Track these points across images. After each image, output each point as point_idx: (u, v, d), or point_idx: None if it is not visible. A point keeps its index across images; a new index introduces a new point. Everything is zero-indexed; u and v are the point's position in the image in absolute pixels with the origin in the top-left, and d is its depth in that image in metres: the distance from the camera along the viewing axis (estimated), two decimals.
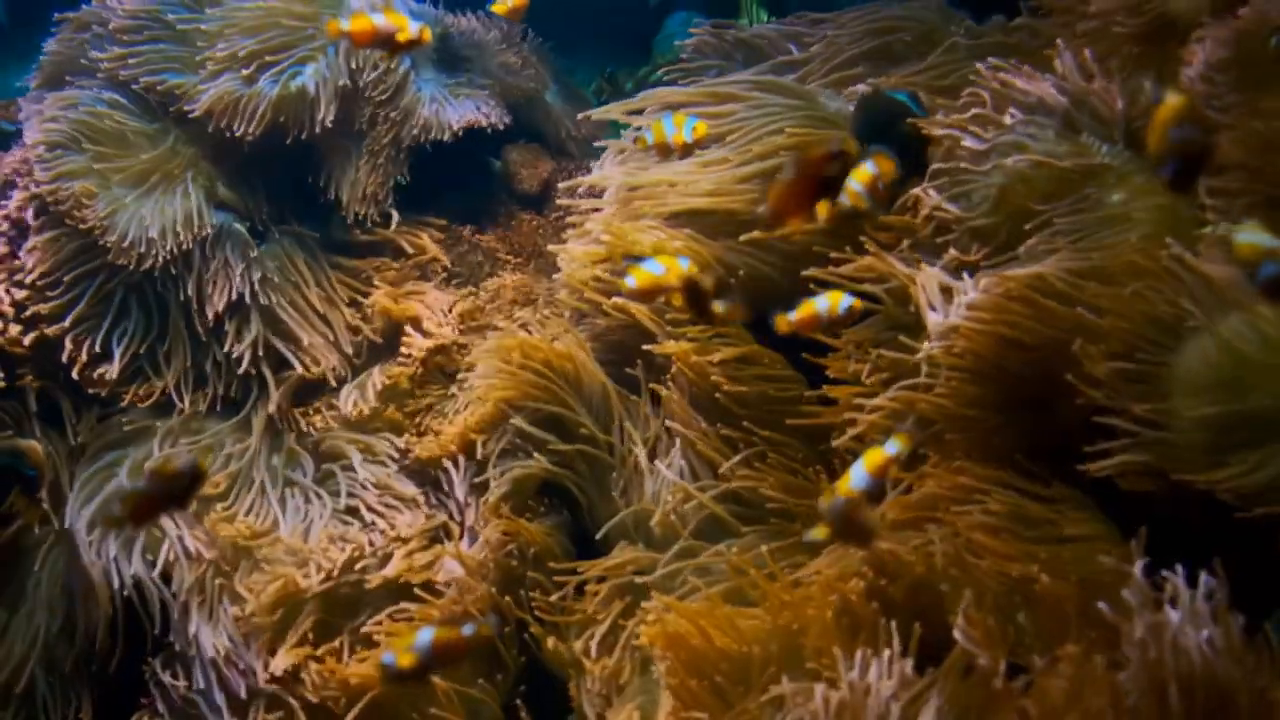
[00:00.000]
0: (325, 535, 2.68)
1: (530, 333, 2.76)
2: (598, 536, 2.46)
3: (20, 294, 2.83)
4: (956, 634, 1.68)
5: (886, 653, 1.71)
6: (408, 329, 2.98)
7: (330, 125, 2.98)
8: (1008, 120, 2.13)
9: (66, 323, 2.85)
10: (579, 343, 2.60)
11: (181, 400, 2.93)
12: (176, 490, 1.90)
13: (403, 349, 2.95)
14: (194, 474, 1.90)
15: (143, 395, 2.92)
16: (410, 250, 3.17)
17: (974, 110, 2.17)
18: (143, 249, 2.82)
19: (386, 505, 2.78)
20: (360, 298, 3.13)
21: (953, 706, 1.63)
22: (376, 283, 3.12)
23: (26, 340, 2.81)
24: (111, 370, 2.86)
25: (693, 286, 1.97)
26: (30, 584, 2.75)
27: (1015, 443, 2.01)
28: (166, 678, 2.65)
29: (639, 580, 2.32)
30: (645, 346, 2.48)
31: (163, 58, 3.00)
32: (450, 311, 3.01)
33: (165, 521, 2.69)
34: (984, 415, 2.01)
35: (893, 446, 1.95)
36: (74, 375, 2.85)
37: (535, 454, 2.52)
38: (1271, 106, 1.92)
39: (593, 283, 2.61)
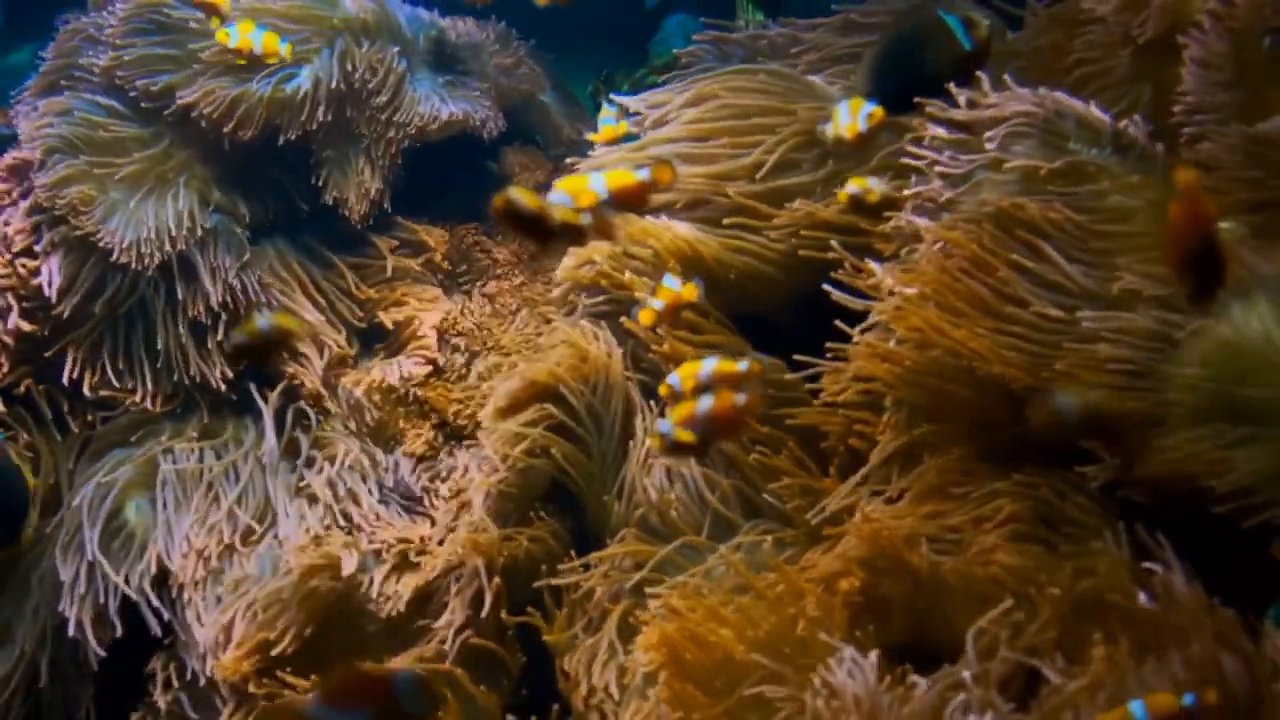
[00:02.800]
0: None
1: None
2: (601, 537, 2.47)
3: (20, 299, 2.83)
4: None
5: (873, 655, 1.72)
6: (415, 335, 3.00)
7: (327, 126, 2.98)
8: (987, 137, 2.11)
9: (82, 332, 2.86)
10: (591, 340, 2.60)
11: (180, 401, 2.94)
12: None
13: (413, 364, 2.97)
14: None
15: (142, 395, 2.92)
16: (409, 252, 3.18)
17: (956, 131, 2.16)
18: (139, 250, 2.82)
19: (376, 515, 2.78)
20: (357, 298, 3.14)
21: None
22: (372, 287, 3.14)
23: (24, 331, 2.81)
24: (138, 388, 2.89)
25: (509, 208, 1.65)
26: (35, 578, 2.75)
27: (1009, 438, 2.01)
28: (167, 674, 2.66)
29: (642, 576, 2.32)
30: (653, 352, 2.49)
31: (157, 59, 3.00)
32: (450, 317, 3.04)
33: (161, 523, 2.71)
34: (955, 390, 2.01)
35: (744, 364, 1.99)
36: (86, 391, 2.86)
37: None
38: (1265, 108, 1.93)
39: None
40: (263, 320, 2.39)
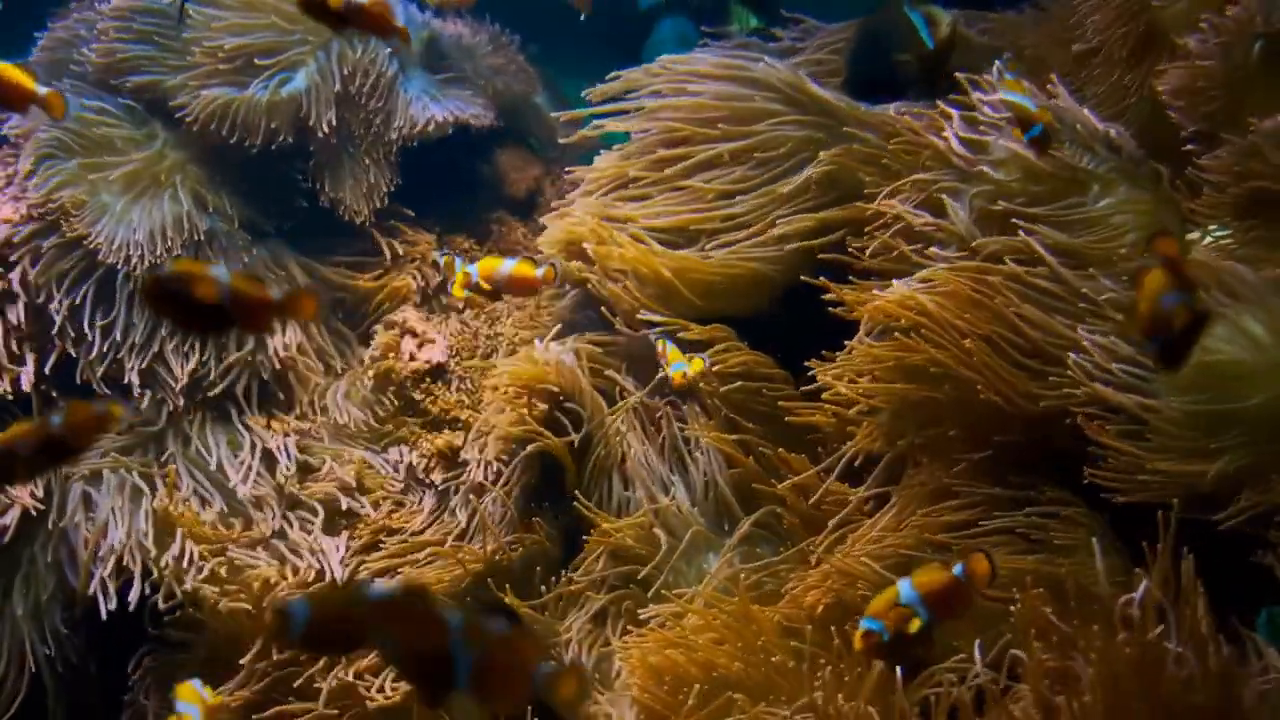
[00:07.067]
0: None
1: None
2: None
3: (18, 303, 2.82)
4: None
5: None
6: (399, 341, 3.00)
7: (323, 129, 2.98)
8: (989, 138, 2.13)
9: (82, 332, 2.82)
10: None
11: (174, 402, 2.92)
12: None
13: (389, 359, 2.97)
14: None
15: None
16: (403, 253, 3.19)
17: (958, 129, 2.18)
18: (130, 251, 2.80)
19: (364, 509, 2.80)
20: (352, 299, 3.15)
21: None
22: (366, 283, 3.14)
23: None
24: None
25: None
26: (25, 555, 2.72)
27: (1001, 448, 2.03)
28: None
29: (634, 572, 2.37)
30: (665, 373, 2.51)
31: (150, 61, 2.99)
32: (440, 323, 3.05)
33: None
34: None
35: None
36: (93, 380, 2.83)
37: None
38: (1255, 112, 1.95)
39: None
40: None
